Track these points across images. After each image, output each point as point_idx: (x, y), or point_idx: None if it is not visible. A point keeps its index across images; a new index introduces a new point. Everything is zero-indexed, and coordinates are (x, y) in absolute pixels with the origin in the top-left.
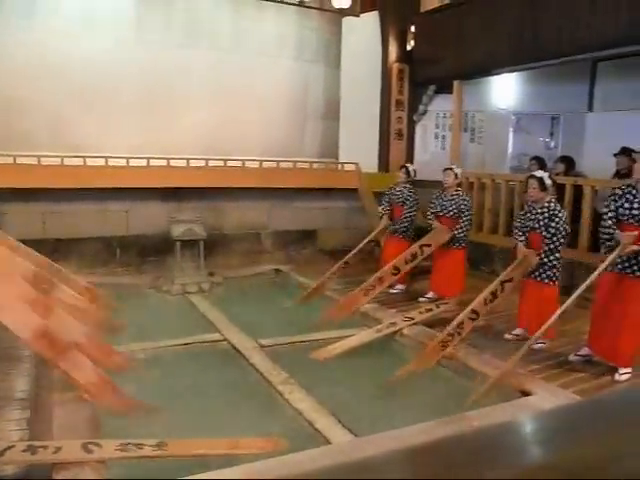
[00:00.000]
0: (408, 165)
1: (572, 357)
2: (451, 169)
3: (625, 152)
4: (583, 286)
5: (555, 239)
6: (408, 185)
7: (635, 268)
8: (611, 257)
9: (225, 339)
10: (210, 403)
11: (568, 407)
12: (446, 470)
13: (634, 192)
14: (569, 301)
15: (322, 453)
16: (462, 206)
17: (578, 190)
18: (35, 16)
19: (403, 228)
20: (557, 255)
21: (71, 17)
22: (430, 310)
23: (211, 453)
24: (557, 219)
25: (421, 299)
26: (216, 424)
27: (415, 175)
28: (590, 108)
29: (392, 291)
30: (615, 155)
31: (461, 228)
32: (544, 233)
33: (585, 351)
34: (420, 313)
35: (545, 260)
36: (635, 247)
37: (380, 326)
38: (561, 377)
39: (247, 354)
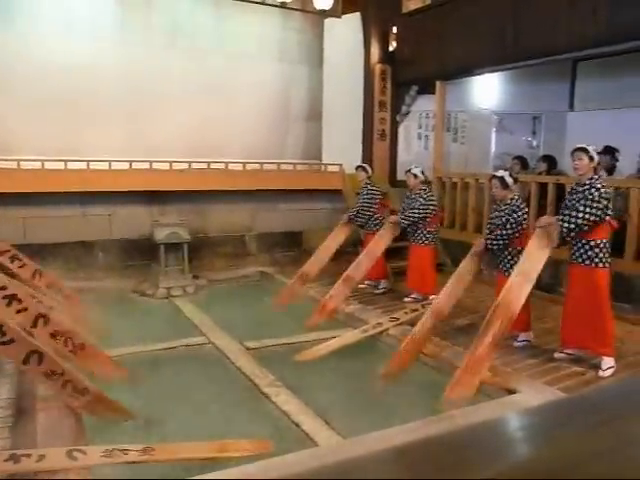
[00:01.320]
0: (362, 165)
1: (557, 354)
2: (409, 171)
3: (607, 151)
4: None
5: (508, 227)
6: (366, 181)
7: (585, 257)
8: None
9: (210, 342)
10: (196, 407)
11: (554, 404)
12: (433, 469)
13: (576, 187)
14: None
15: (309, 455)
16: (417, 202)
17: (560, 189)
18: (15, 18)
19: (360, 219)
20: (503, 243)
21: (51, 19)
22: (415, 310)
23: (198, 457)
24: (515, 214)
25: (406, 299)
26: (202, 428)
27: (372, 170)
28: (571, 107)
29: (377, 291)
30: (597, 154)
31: (405, 218)
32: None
33: (570, 349)
34: (405, 313)
35: (489, 245)
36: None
37: (366, 327)
38: (546, 374)
39: (233, 357)
